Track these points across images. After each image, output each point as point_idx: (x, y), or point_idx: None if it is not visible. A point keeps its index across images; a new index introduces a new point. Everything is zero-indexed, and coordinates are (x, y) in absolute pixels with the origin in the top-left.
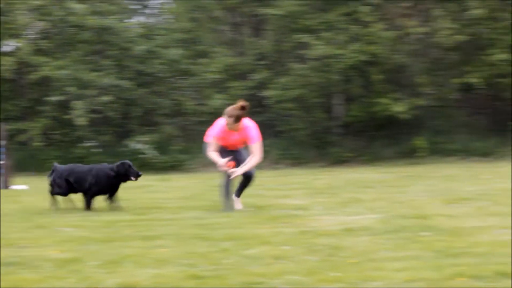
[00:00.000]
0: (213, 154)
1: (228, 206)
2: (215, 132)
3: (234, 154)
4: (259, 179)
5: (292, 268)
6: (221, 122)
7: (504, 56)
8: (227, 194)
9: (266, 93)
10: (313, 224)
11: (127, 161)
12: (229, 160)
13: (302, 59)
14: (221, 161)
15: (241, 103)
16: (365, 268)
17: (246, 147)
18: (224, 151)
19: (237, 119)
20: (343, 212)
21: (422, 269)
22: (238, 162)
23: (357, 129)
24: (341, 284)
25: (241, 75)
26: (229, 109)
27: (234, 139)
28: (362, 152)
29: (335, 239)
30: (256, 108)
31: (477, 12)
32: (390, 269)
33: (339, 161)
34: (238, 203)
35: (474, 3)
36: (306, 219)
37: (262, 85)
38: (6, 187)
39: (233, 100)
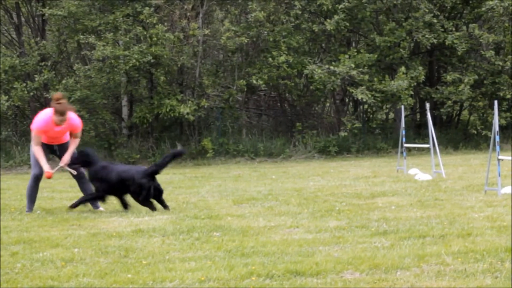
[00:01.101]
0: (39, 152)
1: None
2: (40, 125)
3: (56, 148)
4: (45, 181)
5: (84, 271)
6: (44, 116)
7: (284, 58)
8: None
9: (50, 94)
10: (103, 226)
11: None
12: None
13: (86, 60)
14: (46, 167)
15: (56, 95)
16: (158, 269)
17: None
18: (45, 145)
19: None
20: (133, 214)
21: (214, 269)
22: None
23: (144, 130)
24: (134, 285)
25: (25, 76)
26: (59, 106)
27: (57, 131)
28: (149, 153)
29: (126, 241)
30: (41, 109)
31: (258, 15)
32: (182, 270)
33: (127, 162)
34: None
35: (255, 5)
36: (96, 221)
37: (46, 86)
38: None
39: (19, 101)
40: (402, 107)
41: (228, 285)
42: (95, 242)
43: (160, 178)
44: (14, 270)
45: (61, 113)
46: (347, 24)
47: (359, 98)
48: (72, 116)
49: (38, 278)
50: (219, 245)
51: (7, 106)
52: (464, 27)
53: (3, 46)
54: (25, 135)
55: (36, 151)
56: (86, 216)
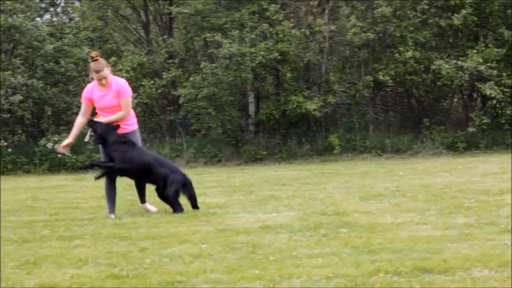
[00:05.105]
0: (76, 123)
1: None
2: (84, 92)
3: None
4: None
5: (212, 266)
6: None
7: (411, 53)
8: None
9: (178, 91)
10: (231, 222)
11: None
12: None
13: (213, 58)
14: (67, 140)
15: (92, 54)
16: (285, 265)
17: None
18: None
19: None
20: (261, 210)
21: (341, 265)
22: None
23: (271, 127)
24: (261, 281)
25: (153, 74)
26: (94, 64)
27: (102, 97)
28: (276, 149)
29: (253, 237)
30: (169, 107)
31: (384, 10)
32: (309, 266)
33: (254, 159)
34: (149, 206)
35: (381, 1)
36: (224, 217)
37: (173, 84)
38: None
39: (147, 99)
40: None
41: (355, 282)
42: (223, 238)
43: (287, 175)
44: (143, 265)
45: (96, 70)
46: (475, 18)
47: (488, 93)
48: (116, 78)
49: (167, 274)
50: (346, 241)
51: (135, 103)
52: None
53: (132, 44)
54: (154, 132)
55: (76, 120)
56: (214, 212)
